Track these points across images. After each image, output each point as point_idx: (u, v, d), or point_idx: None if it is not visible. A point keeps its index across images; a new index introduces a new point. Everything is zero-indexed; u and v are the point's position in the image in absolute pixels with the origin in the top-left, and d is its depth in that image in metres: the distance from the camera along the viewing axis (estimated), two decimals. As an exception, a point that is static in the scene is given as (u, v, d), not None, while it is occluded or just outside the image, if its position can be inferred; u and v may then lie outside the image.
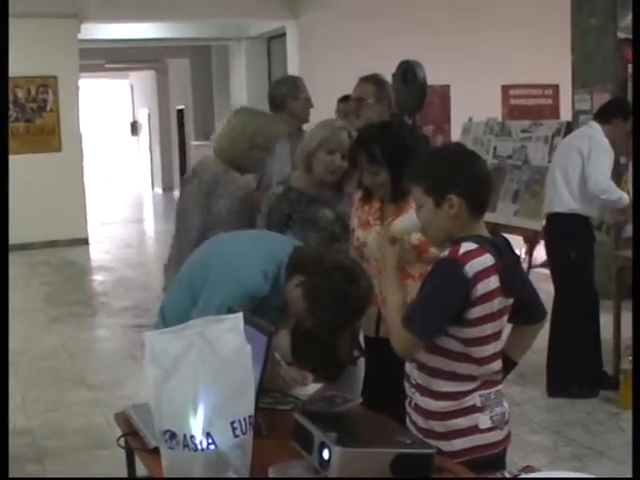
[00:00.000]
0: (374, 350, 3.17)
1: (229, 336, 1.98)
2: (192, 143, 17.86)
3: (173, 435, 1.95)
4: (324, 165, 3.28)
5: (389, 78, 6.39)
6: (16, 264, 10.21)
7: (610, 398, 4.87)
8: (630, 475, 2.44)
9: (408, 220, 2.48)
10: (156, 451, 2.11)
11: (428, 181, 2.34)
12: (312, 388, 2.78)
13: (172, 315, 2.76)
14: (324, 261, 2.65)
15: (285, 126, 4.44)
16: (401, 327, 2.28)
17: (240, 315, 2.02)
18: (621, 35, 6.80)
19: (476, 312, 2.26)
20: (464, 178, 2.30)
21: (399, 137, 3.13)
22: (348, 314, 2.64)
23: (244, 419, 1.98)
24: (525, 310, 2.47)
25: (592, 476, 1.85)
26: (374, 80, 4.81)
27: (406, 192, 2.89)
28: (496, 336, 2.34)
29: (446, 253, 2.27)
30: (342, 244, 3.31)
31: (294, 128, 4.44)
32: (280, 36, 13.08)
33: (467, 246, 2.25)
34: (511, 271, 2.32)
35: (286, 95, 4.60)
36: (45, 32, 11.20)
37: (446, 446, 2.28)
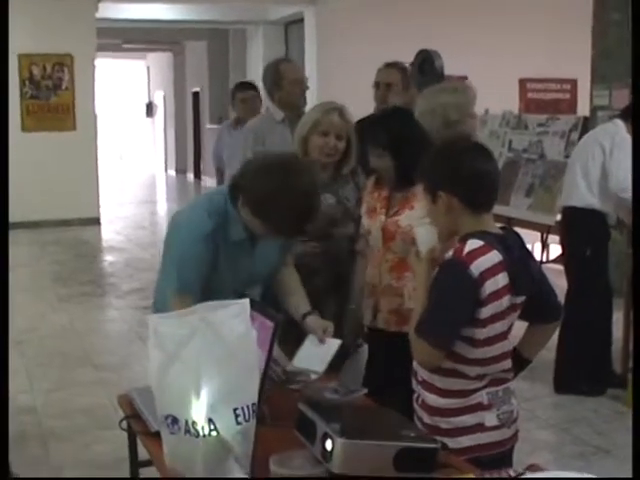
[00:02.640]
0: (372, 340, 3.18)
1: (234, 322, 1.95)
2: (207, 126, 17.83)
3: (175, 420, 1.93)
4: (319, 148, 3.26)
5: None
6: (27, 242, 10.25)
7: (617, 396, 4.83)
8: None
9: (424, 235, 2.49)
10: (158, 435, 2.09)
11: (424, 179, 2.38)
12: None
13: (158, 294, 2.87)
14: (256, 169, 2.59)
15: (281, 113, 4.42)
16: (416, 338, 2.25)
17: (247, 301, 2.00)
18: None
19: (486, 312, 2.23)
20: (454, 175, 2.29)
21: (404, 123, 3.11)
22: (300, 206, 2.52)
23: (247, 406, 1.95)
24: (541, 308, 2.43)
25: (592, 476, 1.82)
26: (400, 67, 4.76)
27: (411, 181, 2.88)
28: (504, 335, 2.31)
29: (450, 254, 2.23)
30: (342, 229, 3.28)
31: (293, 114, 4.32)
32: (298, 21, 13.02)
33: (472, 244, 2.22)
34: (520, 267, 2.29)
35: (270, 84, 4.54)
36: (63, 10, 11.17)
37: (452, 443, 2.26)
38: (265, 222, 2.55)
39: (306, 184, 2.55)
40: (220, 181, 6.28)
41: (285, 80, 4.49)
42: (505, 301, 2.27)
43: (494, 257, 2.22)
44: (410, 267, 2.85)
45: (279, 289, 2.94)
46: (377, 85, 4.69)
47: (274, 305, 2.81)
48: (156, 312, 2.80)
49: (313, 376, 2.68)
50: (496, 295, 2.23)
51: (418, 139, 3.00)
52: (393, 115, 3.20)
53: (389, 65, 4.75)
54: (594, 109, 7.11)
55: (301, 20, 12.75)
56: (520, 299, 2.32)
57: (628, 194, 4.70)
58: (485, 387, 2.31)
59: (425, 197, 2.39)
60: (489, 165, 2.36)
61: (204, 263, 2.63)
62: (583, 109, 8.09)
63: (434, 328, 2.23)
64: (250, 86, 6.45)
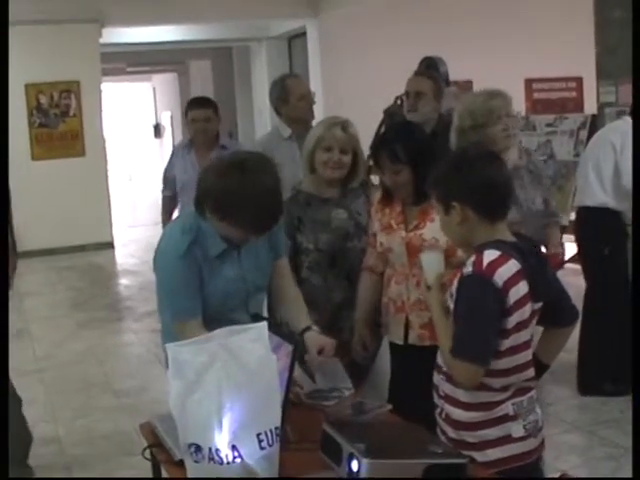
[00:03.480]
0: (404, 357, 3.11)
1: (254, 346, 1.94)
2: (215, 144, 17.85)
3: (198, 448, 1.92)
4: (323, 163, 3.24)
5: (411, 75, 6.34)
6: (42, 269, 10.28)
7: (643, 396, 4.78)
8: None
9: (431, 263, 2.51)
10: (181, 463, 2.07)
11: (436, 190, 2.36)
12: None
13: (162, 326, 2.89)
14: (213, 174, 2.53)
15: (288, 129, 4.40)
16: (455, 361, 2.22)
17: (264, 324, 1.98)
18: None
19: (512, 321, 2.21)
20: (466, 185, 2.27)
21: (422, 137, 3.10)
22: (262, 201, 2.46)
23: (270, 430, 1.94)
24: (556, 312, 2.41)
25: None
26: (430, 75, 4.72)
27: (428, 194, 2.85)
28: (528, 344, 2.29)
29: (470, 269, 2.21)
30: (356, 243, 3.26)
31: (301, 129, 4.29)
32: (301, 35, 13.04)
33: (489, 255, 2.19)
34: (538, 274, 2.27)
35: (276, 100, 4.53)
36: (67, 38, 11.22)
37: (479, 456, 2.23)
38: (232, 224, 2.49)
39: (264, 178, 2.49)
40: (168, 208, 5.35)
41: (292, 96, 4.49)
42: (527, 309, 2.25)
43: (513, 266, 2.20)
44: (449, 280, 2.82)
45: (277, 301, 2.91)
46: (407, 94, 4.64)
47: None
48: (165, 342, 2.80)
49: (346, 392, 2.65)
50: (520, 304, 2.21)
51: (435, 152, 2.98)
52: (408, 130, 3.17)
53: (418, 74, 4.72)
54: (601, 106, 7.07)
55: (304, 34, 12.77)
56: (538, 305, 2.30)
57: None
58: (510, 398, 2.28)
59: (437, 208, 2.37)
60: (502, 173, 2.34)
61: (192, 283, 2.60)
62: (590, 107, 8.06)
63: (471, 346, 2.20)
64: (204, 103, 5.20)
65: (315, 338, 2.71)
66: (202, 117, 4.99)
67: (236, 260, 2.68)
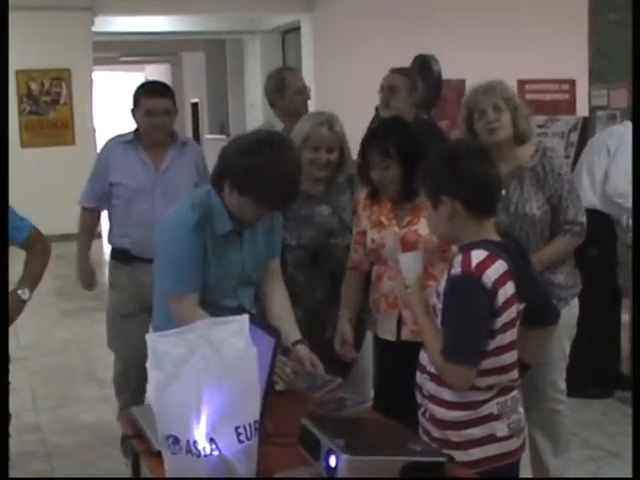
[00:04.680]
0: (396, 354, 3.10)
1: (234, 339, 1.92)
2: (206, 137, 17.83)
3: (176, 440, 1.91)
4: (310, 162, 3.23)
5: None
6: (29, 257, 10.23)
7: (626, 399, 4.79)
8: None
9: (410, 264, 2.51)
10: (160, 455, 2.06)
11: (425, 184, 2.35)
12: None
13: (155, 303, 2.85)
14: (237, 151, 2.59)
15: (283, 122, 4.38)
16: (448, 364, 2.21)
17: (246, 317, 1.97)
18: (642, 30, 6.69)
19: (500, 321, 2.21)
20: (458, 180, 2.26)
21: (413, 134, 3.09)
22: (286, 176, 2.55)
23: (249, 424, 1.93)
24: (538, 312, 2.40)
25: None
26: (407, 72, 4.73)
27: (417, 190, 2.84)
28: (513, 344, 2.29)
29: (459, 270, 2.19)
30: (339, 239, 3.25)
31: (294, 123, 4.27)
32: (295, 29, 13.02)
33: (477, 255, 2.19)
34: (524, 275, 2.27)
35: (272, 92, 4.48)
36: (59, 25, 11.18)
37: (463, 456, 2.22)
38: (254, 199, 2.54)
39: (291, 155, 2.61)
40: (89, 225, 4.39)
41: (289, 89, 4.47)
42: (514, 309, 2.25)
43: (500, 267, 2.19)
44: (433, 276, 2.80)
45: (266, 301, 2.90)
46: (381, 89, 4.67)
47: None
48: (156, 324, 2.79)
49: (337, 381, 2.66)
50: (508, 304, 2.21)
51: (425, 149, 2.97)
52: (398, 126, 3.16)
53: (395, 70, 4.73)
54: (593, 109, 7.08)
55: (298, 28, 12.74)
56: (522, 306, 2.30)
57: (623, 200, 4.62)
58: (495, 397, 2.28)
59: (425, 202, 2.36)
60: (492, 170, 2.34)
61: (197, 257, 2.62)
62: (582, 109, 8.08)
63: (463, 348, 2.19)
64: (162, 91, 4.05)
65: (307, 352, 2.72)
66: (161, 109, 3.93)
67: (238, 244, 2.72)
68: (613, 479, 3.87)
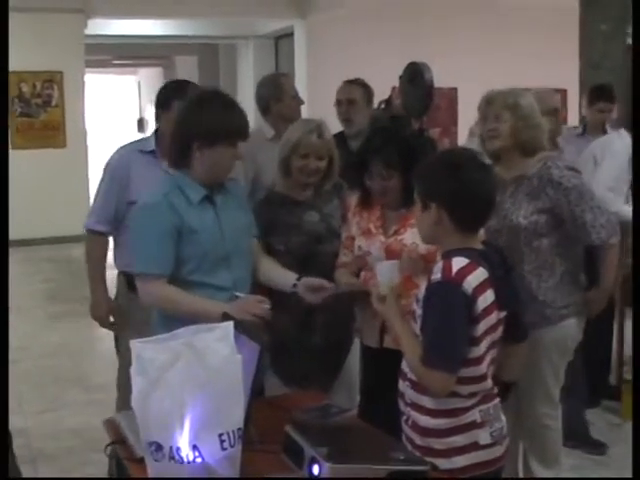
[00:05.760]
0: (378, 361, 3.10)
1: (218, 345, 1.93)
2: (198, 141, 17.79)
3: (159, 447, 1.90)
4: (299, 169, 3.24)
5: (396, 79, 6.33)
6: (19, 260, 10.17)
7: (612, 408, 4.80)
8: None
9: (385, 273, 2.55)
10: (143, 461, 2.05)
11: (419, 184, 2.34)
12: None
13: None
14: (188, 118, 2.79)
15: (275, 128, 4.36)
16: (426, 370, 2.20)
17: (230, 324, 1.97)
18: (631, 41, 6.72)
19: (480, 329, 2.21)
20: (449, 190, 2.25)
21: (412, 144, 3.10)
22: (236, 107, 2.81)
23: (233, 431, 1.93)
24: (512, 327, 2.39)
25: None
26: (361, 83, 4.75)
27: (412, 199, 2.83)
28: (492, 352, 2.29)
29: (439, 276, 2.19)
30: (326, 246, 3.25)
31: (285, 130, 4.27)
32: (288, 35, 13.02)
33: (458, 262, 2.19)
34: (504, 282, 2.27)
35: (268, 98, 4.41)
36: (51, 27, 11.15)
37: (446, 464, 2.23)
38: (224, 136, 2.73)
39: (231, 97, 2.87)
40: (101, 254, 3.66)
41: (286, 94, 4.44)
42: (494, 317, 2.25)
43: (481, 274, 2.20)
44: (416, 285, 2.80)
45: (257, 273, 3.01)
46: (339, 102, 4.69)
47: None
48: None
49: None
50: (487, 312, 2.21)
51: (423, 154, 2.97)
52: (399, 135, 3.15)
53: (350, 82, 4.75)
54: (583, 118, 7.09)
55: (291, 34, 12.75)
56: (503, 314, 2.30)
57: (609, 195, 4.53)
58: (477, 405, 2.28)
59: (416, 201, 2.36)
60: (489, 186, 2.32)
61: (164, 234, 2.69)
62: (573, 119, 8.11)
63: (443, 355, 2.19)
64: None
65: (309, 280, 2.93)
66: None
67: (213, 211, 2.80)
68: (614, 479, 3.88)
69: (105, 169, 3.56)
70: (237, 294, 2.78)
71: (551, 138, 4.26)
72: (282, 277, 2.99)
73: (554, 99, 4.36)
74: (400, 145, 3.03)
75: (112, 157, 3.58)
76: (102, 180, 3.55)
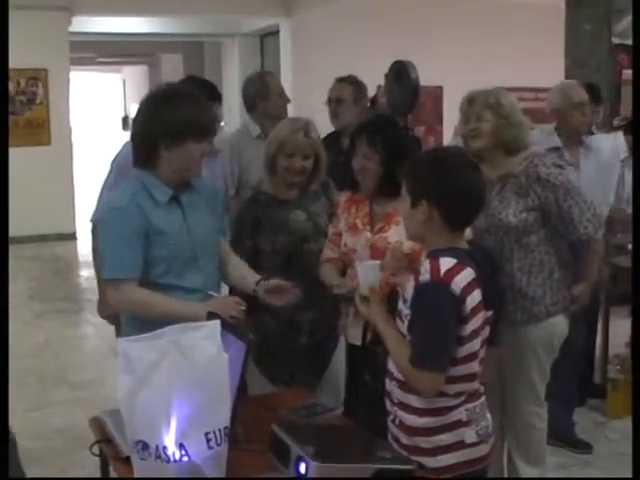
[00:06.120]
0: (361, 359, 3.10)
1: (205, 344, 1.92)
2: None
3: (145, 446, 1.90)
4: (285, 168, 3.24)
5: (382, 78, 6.34)
6: (2, 258, 10.14)
7: (597, 407, 4.82)
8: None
9: (366, 274, 2.54)
10: (129, 460, 2.05)
11: (409, 181, 2.34)
12: None
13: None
14: (154, 116, 2.71)
15: (261, 126, 4.36)
16: (415, 370, 2.20)
17: (217, 322, 1.96)
18: (615, 40, 6.77)
19: (468, 328, 2.21)
20: (442, 189, 2.25)
21: (400, 135, 3.15)
22: (201, 102, 2.75)
23: (219, 430, 1.92)
24: (491, 331, 2.38)
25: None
26: (351, 81, 4.76)
27: (395, 190, 2.83)
28: (481, 352, 2.29)
29: (427, 277, 2.20)
30: (312, 245, 3.25)
31: (273, 127, 4.27)
32: (273, 33, 13.01)
33: (446, 263, 2.19)
34: (490, 282, 2.28)
35: (255, 95, 4.41)
36: (36, 24, 11.08)
37: (432, 462, 2.23)
38: (193, 133, 2.66)
39: (197, 93, 2.80)
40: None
41: (272, 92, 4.43)
42: (481, 317, 2.25)
43: (468, 275, 2.20)
44: (401, 284, 2.79)
45: (226, 271, 2.96)
46: (329, 101, 4.71)
47: None
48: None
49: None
50: (475, 311, 2.22)
51: (410, 149, 2.99)
52: (389, 124, 3.21)
53: (340, 80, 4.76)
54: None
55: (277, 32, 12.73)
56: (489, 313, 2.30)
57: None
58: (463, 403, 2.28)
59: (405, 197, 2.36)
60: (478, 184, 2.33)
61: (132, 236, 2.64)
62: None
63: (431, 355, 2.19)
64: None
65: (266, 283, 2.83)
66: None
67: (180, 211, 2.75)
68: (614, 479, 3.90)
69: (112, 163, 3.64)
70: (211, 293, 2.75)
71: (575, 131, 4.29)
72: (244, 280, 2.91)
73: (580, 93, 4.35)
74: (387, 131, 3.07)
75: (119, 151, 3.66)
76: (109, 174, 3.62)
